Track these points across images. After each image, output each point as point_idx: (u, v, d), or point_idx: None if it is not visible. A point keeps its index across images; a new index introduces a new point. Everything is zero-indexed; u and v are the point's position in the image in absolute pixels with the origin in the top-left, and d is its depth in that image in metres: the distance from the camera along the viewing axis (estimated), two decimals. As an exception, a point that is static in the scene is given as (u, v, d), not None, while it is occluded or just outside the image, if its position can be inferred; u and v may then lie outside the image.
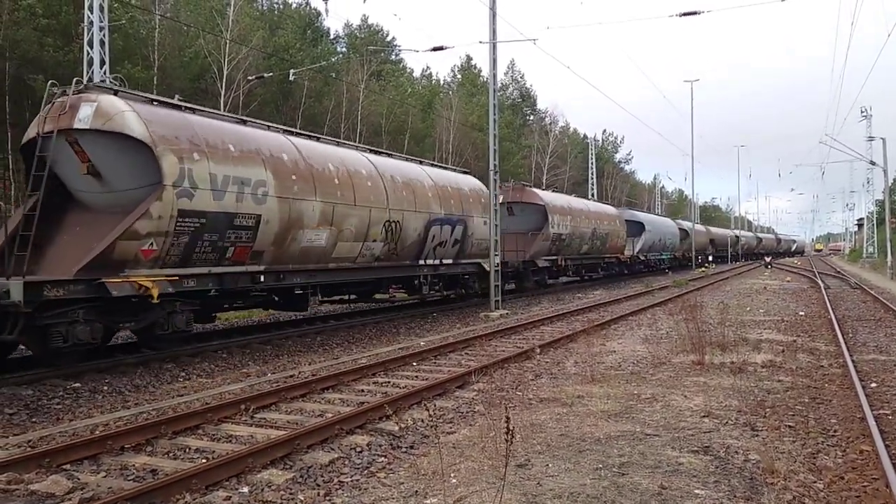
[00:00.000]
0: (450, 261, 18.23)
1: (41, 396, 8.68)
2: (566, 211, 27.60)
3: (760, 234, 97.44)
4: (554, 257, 26.49)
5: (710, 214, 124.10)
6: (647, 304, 20.36)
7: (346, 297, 16.91)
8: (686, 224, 54.44)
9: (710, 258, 58.32)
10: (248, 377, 10.04)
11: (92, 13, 20.29)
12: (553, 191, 31.47)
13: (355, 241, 14.05)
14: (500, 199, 24.05)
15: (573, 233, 27.52)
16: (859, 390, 8.13)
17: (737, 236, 73.58)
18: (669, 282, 31.64)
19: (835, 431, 6.80)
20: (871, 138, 46.68)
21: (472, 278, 20.12)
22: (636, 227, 38.31)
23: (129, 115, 9.96)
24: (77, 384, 9.29)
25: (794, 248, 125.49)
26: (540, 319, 16.56)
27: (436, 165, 20.23)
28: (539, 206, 25.61)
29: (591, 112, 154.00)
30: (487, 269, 19.27)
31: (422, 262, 16.91)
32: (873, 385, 8.95)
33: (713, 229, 67.70)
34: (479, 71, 63.54)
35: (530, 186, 27.83)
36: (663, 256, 45.13)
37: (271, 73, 31.26)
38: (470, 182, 20.47)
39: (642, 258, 39.88)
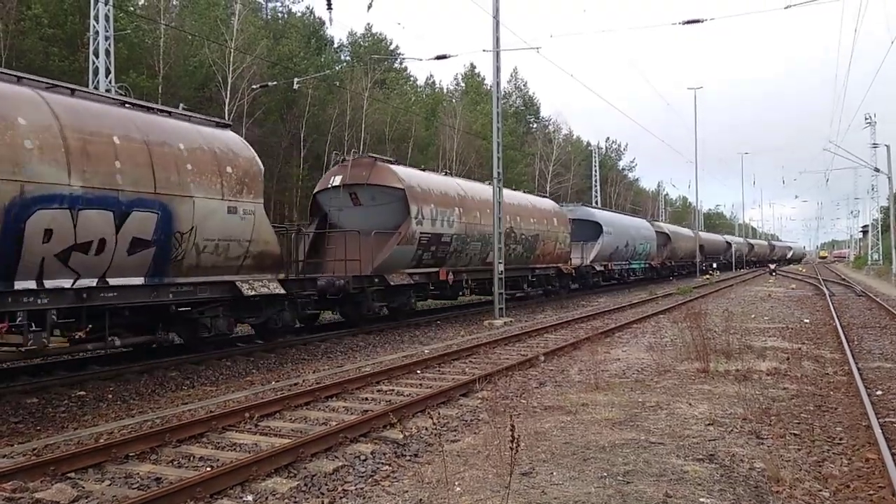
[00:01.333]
0: (136, 280, 9.96)
1: (46, 405, 8.71)
2: (449, 200, 18.31)
3: (752, 241, 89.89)
4: (428, 270, 17.63)
5: (714, 222, 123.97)
6: (651, 312, 20.32)
7: None
8: (668, 227, 47.31)
9: (715, 265, 57.24)
10: (251, 385, 10.05)
11: (97, 23, 20.44)
12: (446, 174, 21.48)
13: None
14: (336, 180, 17.11)
15: (465, 233, 18.65)
16: (865, 398, 8.10)
17: (728, 242, 67.81)
18: (673, 289, 31.58)
19: (840, 439, 6.78)
20: (875, 145, 46.66)
21: (210, 311, 11.42)
22: (590, 229, 30.15)
23: None
24: (82, 392, 9.31)
25: (790, 255, 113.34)
26: (544, 327, 16.54)
27: (87, 93, 10.47)
28: (396, 190, 16.62)
29: (595, 120, 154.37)
30: (248, 293, 11.51)
31: (22, 284, 8.48)
32: (879, 393, 8.92)
33: (703, 234, 60.75)
34: (483, 79, 63.72)
35: (386, 161, 17.76)
36: (634, 266, 36.46)
37: (275, 82, 31.38)
38: (196, 134, 11.19)
39: (599, 269, 30.99)
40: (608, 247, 31.28)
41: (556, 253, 25.48)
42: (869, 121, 47.86)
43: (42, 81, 9.63)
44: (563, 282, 27.04)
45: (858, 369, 10.18)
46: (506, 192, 22.45)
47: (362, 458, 6.28)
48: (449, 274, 18.29)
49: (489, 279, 19.95)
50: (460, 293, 20.17)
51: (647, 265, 39.07)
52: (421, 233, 16.91)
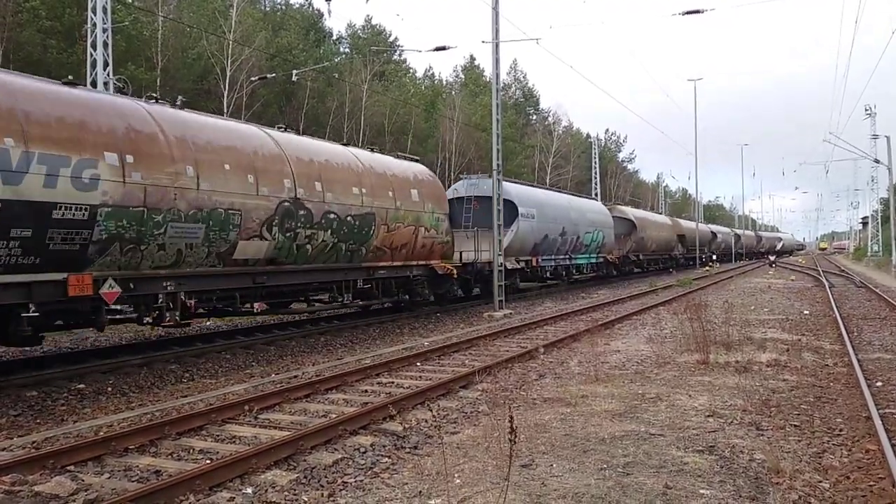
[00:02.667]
0: None
1: (45, 398, 8.70)
2: (81, 136, 8.94)
3: (738, 231, 78.18)
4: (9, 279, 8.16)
5: (714, 213, 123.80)
6: (651, 304, 20.33)
7: None
8: (633, 212, 38.28)
9: (715, 257, 56.57)
10: (251, 378, 10.05)
11: (95, 15, 20.34)
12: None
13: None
14: None
15: (144, 204, 9.53)
16: (864, 389, 8.10)
17: (713, 233, 59.20)
18: (673, 280, 31.58)
19: (840, 430, 6.78)
20: (875, 136, 46.58)
21: None
22: (504, 212, 20.18)
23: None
24: (81, 385, 9.30)
25: (779, 246, 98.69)
26: (543, 319, 16.54)
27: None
28: None
29: (594, 111, 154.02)
30: None
31: None
32: (879, 384, 8.92)
33: (681, 222, 51.96)
34: (482, 71, 63.57)
35: None
36: (579, 261, 28.11)
37: (274, 74, 31.29)
38: None
39: (515, 266, 22.20)
40: (529, 235, 23.01)
41: (419, 245, 16.58)
42: (869, 112, 47.77)
43: None
44: (445, 287, 18.06)
45: (858, 360, 10.18)
46: (294, 138, 13.95)
47: (362, 450, 6.28)
48: (107, 283, 9.30)
49: (246, 290, 11.95)
50: (150, 318, 10.35)
51: (600, 260, 30.73)
52: None
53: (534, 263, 23.82)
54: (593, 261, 30.04)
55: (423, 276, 17.19)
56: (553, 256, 25.55)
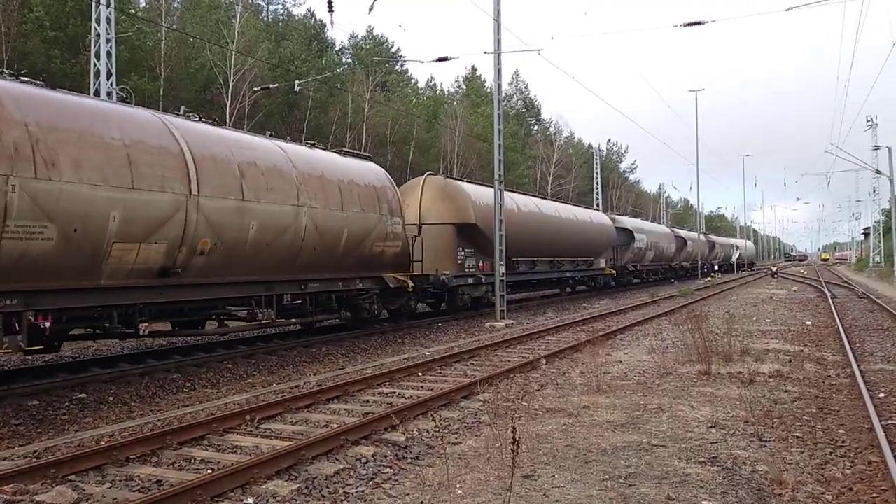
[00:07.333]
0: None
1: (47, 407, 8.69)
2: None
3: (682, 232, 51.60)
4: None
5: (716, 224, 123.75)
6: (653, 314, 20.30)
7: None
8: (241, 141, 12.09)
9: (717, 267, 55.67)
10: (253, 388, 10.04)
11: (99, 25, 20.48)
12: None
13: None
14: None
15: None
16: (867, 400, 8.08)
17: (630, 231, 35.38)
18: (675, 291, 31.55)
19: (843, 442, 6.76)
20: (876, 147, 46.65)
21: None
22: None
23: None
24: (82, 394, 9.30)
25: (735, 257, 70.43)
26: (545, 329, 16.52)
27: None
28: None
29: (596, 122, 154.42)
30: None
31: None
32: (881, 395, 8.90)
33: (526, 204, 23.95)
34: (484, 81, 63.80)
35: None
36: None
37: (277, 85, 31.41)
38: None
39: None
40: None
41: None
42: (870, 123, 47.83)
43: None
44: None
45: (861, 372, 10.15)
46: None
47: (363, 460, 6.27)
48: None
49: None
50: None
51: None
52: None
53: None
54: None
55: None
56: None
